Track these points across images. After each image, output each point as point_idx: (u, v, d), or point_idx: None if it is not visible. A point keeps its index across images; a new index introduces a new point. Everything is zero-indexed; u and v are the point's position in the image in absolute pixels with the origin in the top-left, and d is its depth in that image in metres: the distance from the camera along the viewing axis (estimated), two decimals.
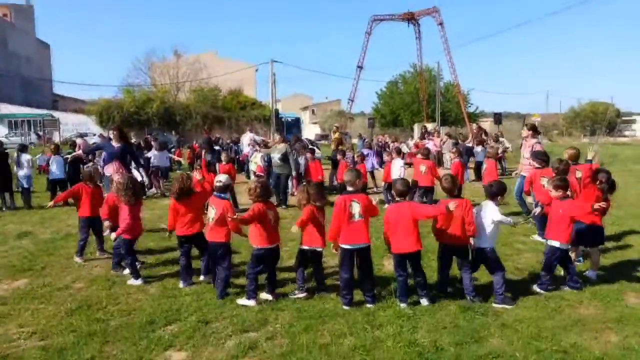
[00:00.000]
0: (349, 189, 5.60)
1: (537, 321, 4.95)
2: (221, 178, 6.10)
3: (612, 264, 6.89)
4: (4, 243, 8.87)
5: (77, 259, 7.50)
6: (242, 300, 5.54)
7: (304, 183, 6.98)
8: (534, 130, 10.23)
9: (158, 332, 4.92)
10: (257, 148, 15.78)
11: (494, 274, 5.54)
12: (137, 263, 6.77)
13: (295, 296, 5.70)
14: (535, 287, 5.83)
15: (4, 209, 12.21)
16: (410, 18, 36.01)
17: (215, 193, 6.04)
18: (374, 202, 5.58)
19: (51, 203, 8.24)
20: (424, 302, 5.38)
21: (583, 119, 46.66)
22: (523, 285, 6.02)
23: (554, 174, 6.96)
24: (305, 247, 5.80)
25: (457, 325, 4.90)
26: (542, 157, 8.23)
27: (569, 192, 6.19)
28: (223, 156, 12.84)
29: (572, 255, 6.07)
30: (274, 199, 12.22)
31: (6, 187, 12.43)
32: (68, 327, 5.09)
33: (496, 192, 5.65)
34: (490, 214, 5.49)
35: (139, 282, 6.45)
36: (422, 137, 24.47)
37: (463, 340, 4.55)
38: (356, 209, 5.40)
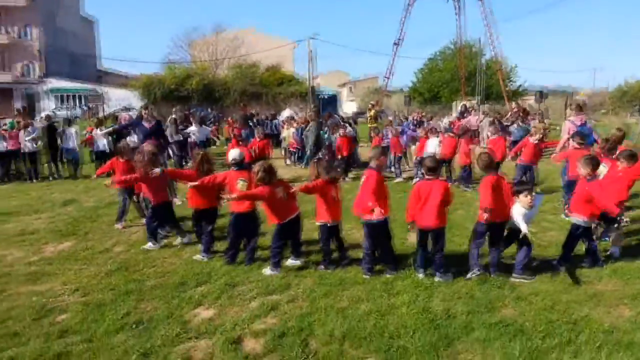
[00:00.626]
0: (371, 164, 5.79)
1: (552, 295, 5.04)
2: (234, 155, 6.32)
3: (638, 243, 6.85)
4: (51, 210, 9.50)
5: (117, 225, 7.99)
6: (267, 270, 5.82)
7: (314, 160, 7.11)
8: (578, 108, 10.05)
9: (189, 292, 5.29)
10: (286, 125, 16.05)
11: (520, 249, 5.61)
12: (162, 232, 7.25)
13: (322, 270, 5.89)
14: (556, 263, 5.89)
15: (51, 178, 12.96)
16: None
17: (234, 168, 6.28)
18: (379, 181, 5.67)
19: (94, 175, 8.77)
20: (438, 278, 5.50)
21: (630, 98, 44.73)
22: (544, 261, 6.08)
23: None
24: (317, 223, 6.01)
25: (473, 295, 5.06)
26: (581, 136, 8.18)
27: (601, 170, 6.16)
28: (257, 132, 13.12)
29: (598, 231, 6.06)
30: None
31: (55, 158, 13.21)
32: (107, 285, 5.54)
33: (517, 190, 5.61)
34: (516, 213, 5.49)
35: (155, 246, 6.86)
36: (462, 115, 24.11)
37: (476, 310, 4.71)
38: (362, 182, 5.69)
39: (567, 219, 7.81)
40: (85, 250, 6.91)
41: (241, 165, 6.39)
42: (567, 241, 5.91)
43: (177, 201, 9.40)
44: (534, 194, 5.58)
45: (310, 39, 39.54)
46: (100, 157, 13.57)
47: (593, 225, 6.07)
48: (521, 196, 5.49)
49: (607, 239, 6.84)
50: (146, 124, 10.62)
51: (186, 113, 19.79)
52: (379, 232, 5.69)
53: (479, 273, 5.49)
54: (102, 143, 13.65)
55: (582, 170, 5.89)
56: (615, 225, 6.31)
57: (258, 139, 12.77)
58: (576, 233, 5.86)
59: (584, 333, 4.23)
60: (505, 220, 5.62)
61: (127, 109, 34.52)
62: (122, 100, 46.75)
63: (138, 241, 7.24)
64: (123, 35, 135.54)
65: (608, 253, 6.28)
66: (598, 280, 5.47)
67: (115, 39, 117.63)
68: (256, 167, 5.76)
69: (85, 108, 46.27)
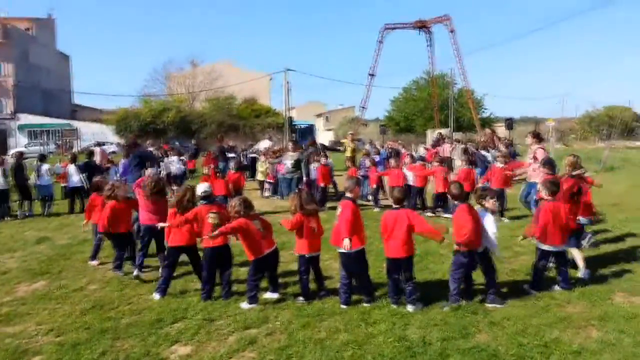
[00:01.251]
0: (347, 194, 5.91)
1: (524, 319, 5.16)
2: (203, 188, 6.32)
3: (607, 266, 7.03)
4: (23, 248, 9.34)
5: (92, 263, 7.90)
6: (245, 304, 5.80)
7: (296, 191, 7.20)
8: (538, 137, 10.43)
9: (166, 329, 5.26)
10: (263, 157, 16.10)
11: (486, 275, 5.75)
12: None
13: (300, 302, 5.91)
14: (526, 287, 6.04)
15: (19, 216, 12.71)
16: (422, 26, 36.32)
17: (204, 202, 6.27)
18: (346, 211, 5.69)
19: (84, 222, 8.52)
20: (410, 308, 5.51)
21: (598, 124, 46.37)
22: (515, 286, 6.23)
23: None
24: (296, 254, 6.09)
25: (447, 322, 5.14)
26: (551, 164, 8.49)
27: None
28: (232, 164, 13.19)
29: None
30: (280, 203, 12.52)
31: (25, 195, 12.99)
32: (82, 325, 5.47)
33: (480, 195, 5.89)
34: (489, 226, 5.65)
35: (120, 272, 7.14)
36: (437, 143, 24.49)
37: (451, 336, 4.79)
38: (338, 213, 5.77)
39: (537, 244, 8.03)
40: (59, 289, 6.81)
41: (210, 198, 6.42)
42: (535, 266, 6.09)
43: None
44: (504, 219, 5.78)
45: (286, 70, 39.99)
46: (74, 193, 13.37)
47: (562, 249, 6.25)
48: (488, 198, 5.80)
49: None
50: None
51: (162, 146, 19.82)
52: (355, 262, 5.76)
53: (455, 305, 5.53)
54: (77, 179, 13.46)
55: (542, 192, 6.19)
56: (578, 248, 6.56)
57: (233, 171, 12.81)
58: (544, 257, 6.05)
59: (554, 355, 4.36)
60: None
61: (100, 144, 34.26)
62: (96, 135, 46.48)
63: (113, 278, 7.16)
64: (98, 71, 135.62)
65: (578, 276, 6.45)
66: (567, 302, 5.62)
67: (91, 74, 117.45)
68: (233, 202, 5.85)
69: (58, 143, 45.74)
